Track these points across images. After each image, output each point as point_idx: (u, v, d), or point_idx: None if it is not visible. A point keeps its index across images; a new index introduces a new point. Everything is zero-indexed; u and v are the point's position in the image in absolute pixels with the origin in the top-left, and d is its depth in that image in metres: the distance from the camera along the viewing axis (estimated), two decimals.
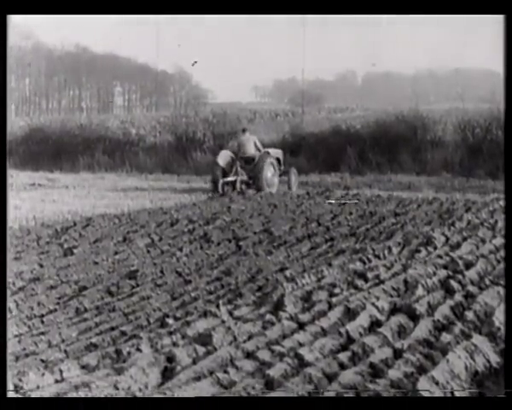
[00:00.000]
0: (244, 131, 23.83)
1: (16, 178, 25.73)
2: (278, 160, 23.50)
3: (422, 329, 6.65)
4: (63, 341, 7.06)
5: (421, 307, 7.30)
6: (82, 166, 33.07)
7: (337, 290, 8.31)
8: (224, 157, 22.43)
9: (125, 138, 37.43)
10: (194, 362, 5.93)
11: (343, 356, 5.91)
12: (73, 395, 5.15)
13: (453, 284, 8.36)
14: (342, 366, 5.73)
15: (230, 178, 22.22)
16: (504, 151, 6.35)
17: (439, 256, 10.23)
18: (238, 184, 22.24)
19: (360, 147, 29.01)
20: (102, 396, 5.15)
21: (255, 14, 6.78)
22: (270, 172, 22.47)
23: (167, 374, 5.67)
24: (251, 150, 22.80)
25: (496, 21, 6.47)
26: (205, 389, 5.25)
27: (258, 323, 7.01)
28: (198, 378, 5.49)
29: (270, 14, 6.90)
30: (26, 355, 6.58)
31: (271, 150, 23.40)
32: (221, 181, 21.93)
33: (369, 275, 9.03)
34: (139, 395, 5.28)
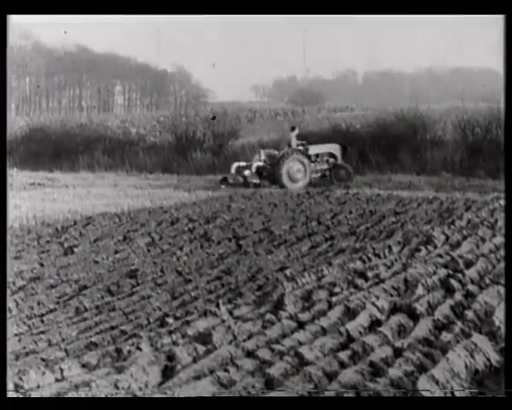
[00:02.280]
0: (293, 128, 24.62)
1: (16, 177, 25.72)
2: (332, 155, 24.27)
3: (422, 328, 6.66)
4: (63, 340, 7.06)
5: (421, 307, 7.31)
6: (82, 165, 33.05)
7: (337, 290, 8.32)
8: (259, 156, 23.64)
9: (125, 138, 37.43)
10: (195, 361, 5.94)
11: (343, 355, 5.92)
12: (74, 394, 5.16)
13: (453, 283, 8.36)
14: (342, 365, 5.73)
15: (244, 163, 23.36)
16: (504, 150, 6.35)
17: (439, 255, 10.23)
18: (253, 168, 23.12)
19: (360, 146, 28.97)
20: (103, 395, 5.15)
21: (256, 14, 6.78)
22: (295, 168, 23.08)
23: (167, 373, 5.68)
24: (294, 145, 23.76)
25: (496, 21, 6.47)
26: (205, 387, 5.26)
27: (259, 322, 7.02)
28: (198, 377, 5.50)
29: (270, 15, 6.90)
30: (27, 354, 6.59)
31: (315, 147, 24.20)
32: (235, 164, 23.20)
33: (370, 274, 9.04)
34: (139, 393, 5.28)
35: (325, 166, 24.17)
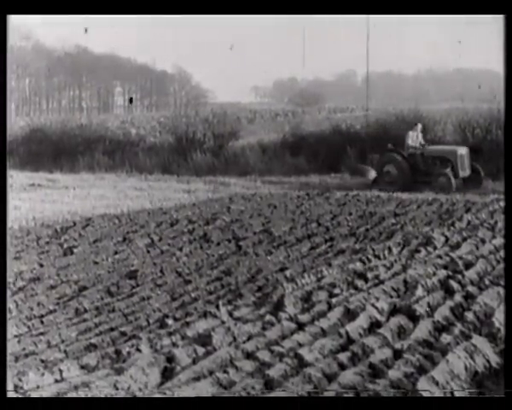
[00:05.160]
0: (416, 124, 23.81)
1: (16, 178, 25.71)
2: (447, 160, 22.49)
3: (422, 330, 6.65)
4: (63, 341, 7.06)
5: (420, 308, 7.30)
6: (82, 166, 33.01)
7: (337, 291, 8.31)
8: None
9: (125, 139, 37.35)
10: (194, 362, 5.93)
11: (343, 356, 5.92)
12: (73, 394, 5.15)
13: (453, 284, 8.36)
14: (342, 367, 5.73)
15: None
16: (504, 151, 6.35)
17: (439, 256, 10.23)
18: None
19: (360, 147, 28.93)
20: (102, 396, 5.15)
21: (256, 14, 6.78)
22: (385, 170, 22.63)
23: (167, 374, 5.68)
24: (410, 143, 22.88)
25: (496, 21, 6.47)
26: (204, 389, 5.25)
27: (258, 323, 7.02)
28: (198, 378, 5.49)
29: (270, 15, 6.90)
30: (26, 355, 6.58)
31: (433, 148, 23.21)
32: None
33: (369, 275, 9.04)
34: (139, 394, 5.28)
35: (438, 171, 22.06)
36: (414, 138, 23.07)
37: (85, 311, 8.23)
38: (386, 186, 22.18)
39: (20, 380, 5.48)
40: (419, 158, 22.62)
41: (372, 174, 23.58)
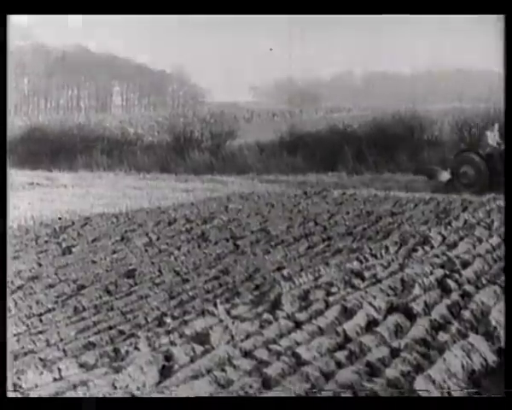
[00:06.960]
0: (493, 125, 22.64)
1: (15, 177, 25.70)
2: None
3: (419, 328, 6.67)
4: (61, 340, 7.08)
5: (417, 307, 7.33)
6: (80, 165, 33.07)
7: (334, 289, 8.33)
8: None
9: (123, 138, 37.44)
10: (192, 361, 5.96)
11: (340, 355, 5.94)
12: (72, 393, 5.17)
13: (450, 283, 8.38)
14: (339, 365, 5.75)
15: None
16: (505, 151, 6.39)
17: (436, 255, 10.25)
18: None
19: (357, 146, 28.97)
20: (101, 395, 5.17)
21: (254, 14, 6.81)
22: (461, 170, 21.55)
23: (165, 373, 5.69)
24: (487, 143, 21.84)
25: (496, 21, 6.50)
26: (202, 387, 5.27)
27: (256, 322, 7.04)
28: (196, 377, 5.51)
29: (269, 15, 6.93)
30: (25, 354, 6.60)
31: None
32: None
33: (366, 274, 9.06)
34: (137, 393, 5.30)
35: None
36: (492, 138, 21.91)
37: (84, 309, 8.25)
38: (463, 188, 21.06)
39: (18, 379, 5.50)
40: (497, 158, 21.01)
41: (445, 175, 22.29)
